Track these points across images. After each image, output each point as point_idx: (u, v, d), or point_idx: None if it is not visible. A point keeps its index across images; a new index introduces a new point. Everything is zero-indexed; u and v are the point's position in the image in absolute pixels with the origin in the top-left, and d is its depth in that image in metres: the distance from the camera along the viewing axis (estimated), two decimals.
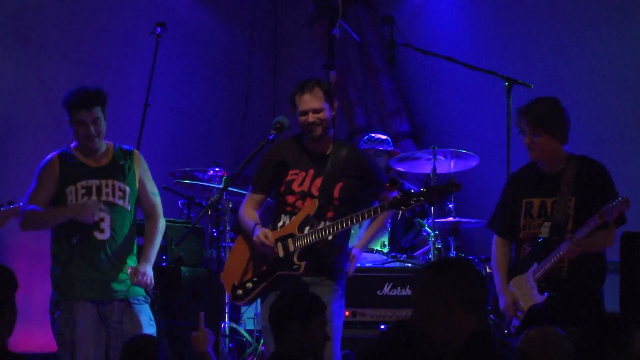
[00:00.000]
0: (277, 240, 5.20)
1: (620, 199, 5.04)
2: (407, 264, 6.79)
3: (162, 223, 5.75)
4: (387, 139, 7.49)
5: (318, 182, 5.23)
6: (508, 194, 5.45)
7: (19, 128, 7.93)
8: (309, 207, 5.18)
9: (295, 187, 5.30)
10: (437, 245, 6.84)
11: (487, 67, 6.37)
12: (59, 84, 7.73)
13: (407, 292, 6.39)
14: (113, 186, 5.55)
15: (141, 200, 5.71)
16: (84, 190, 5.47)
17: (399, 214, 5.17)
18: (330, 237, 5.14)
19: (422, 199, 5.04)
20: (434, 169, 6.95)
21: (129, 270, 5.53)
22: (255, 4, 9.63)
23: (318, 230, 5.11)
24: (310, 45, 9.55)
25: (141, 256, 5.67)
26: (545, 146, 5.23)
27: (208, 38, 9.38)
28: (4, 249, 7.66)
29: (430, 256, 6.84)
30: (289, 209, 5.30)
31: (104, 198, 5.49)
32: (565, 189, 5.21)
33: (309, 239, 5.13)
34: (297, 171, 5.31)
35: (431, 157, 7.02)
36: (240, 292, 5.35)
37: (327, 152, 5.29)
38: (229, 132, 9.31)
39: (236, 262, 5.46)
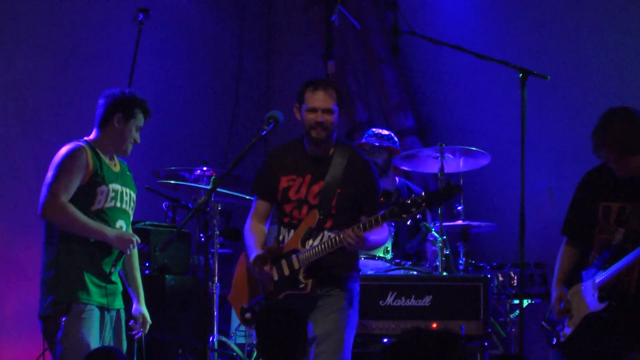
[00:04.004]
0: (281, 256, 5.28)
1: None
2: (412, 272, 6.82)
3: None
4: (389, 134, 7.52)
5: (316, 188, 5.29)
6: (581, 198, 5.57)
7: None
8: (310, 219, 5.25)
9: (291, 194, 5.37)
10: (444, 252, 6.86)
11: (499, 57, 6.20)
12: (32, 75, 8.06)
13: (412, 302, 6.46)
14: (130, 195, 5.72)
15: None
16: (113, 194, 5.64)
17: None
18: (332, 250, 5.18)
19: (422, 205, 5.06)
20: (442, 168, 6.96)
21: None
22: None
23: (321, 244, 5.17)
24: (306, 33, 9.65)
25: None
26: (634, 164, 5.27)
27: (195, 25, 9.50)
28: None
29: (437, 262, 6.85)
30: (286, 219, 5.36)
31: (124, 206, 5.67)
32: None
33: (312, 254, 5.19)
34: (294, 177, 5.38)
35: (438, 155, 7.03)
36: (248, 315, 5.44)
37: (328, 156, 5.37)
38: (218, 128, 9.43)
39: (242, 283, 5.54)
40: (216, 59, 9.73)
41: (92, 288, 5.41)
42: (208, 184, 7.21)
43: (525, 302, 6.88)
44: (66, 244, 5.50)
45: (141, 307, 5.69)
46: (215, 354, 6.72)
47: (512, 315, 7.19)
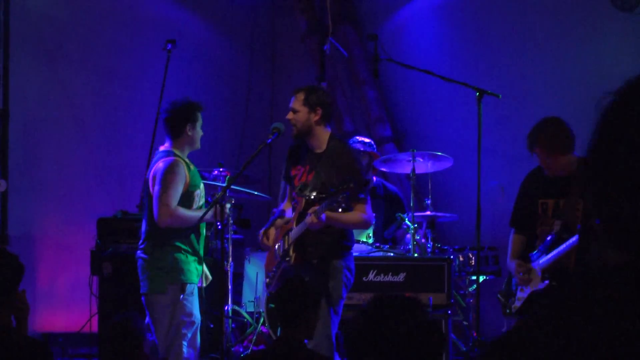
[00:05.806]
0: (285, 233, 5.25)
1: None
2: (389, 254, 6.80)
3: None
4: (369, 142, 7.35)
5: (310, 177, 5.19)
6: (522, 196, 5.49)
7: (45, 131, 7.94)
8: (301, 203, 5.15)
9: (296, 182, 5.30)
10: (416, 237, 6.80)
11: (460, 79, 6.35)
12: (81, 94, 8.07)
13: (389, 278, 6.43)
14: (204, 189, 5.68)
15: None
16: (201, 194, 5.64)
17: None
18: (303, 229, 5.04)
19: (343, 202, 4.86)
20: (413, 170, 6.97)
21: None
22: (254, 23, 9.46)
23: (298, 225, 5.09)
24: (303, 59, 9.38)
25: None
26: (560, 162, 5.24)
27: (213, 52, 9.26)
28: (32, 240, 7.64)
29: (410, 246, 6.79)
30: (293, 202, 5.30)
31: (203, 201, 5.65)
32: (575, 192, 5.21)
33: (295, 232, 5.12)
34: (300, 167, 5.30)
35: (411, 159, 7.02)
36: (267, 280, 5.44)
37: (322, 150, 5.23)
38: (232, 136, 9.16)
39: (270, 254, 5.49)
40: (230, 80, 9.43)
41: (195, 272, 5.46)
42: (224, 182, 6.93)
43: (481, 278, 6.74)
44: (175, 239, 5.47)
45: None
46: (230, 320, 6.66)
47: (470, 289, 7.14)
